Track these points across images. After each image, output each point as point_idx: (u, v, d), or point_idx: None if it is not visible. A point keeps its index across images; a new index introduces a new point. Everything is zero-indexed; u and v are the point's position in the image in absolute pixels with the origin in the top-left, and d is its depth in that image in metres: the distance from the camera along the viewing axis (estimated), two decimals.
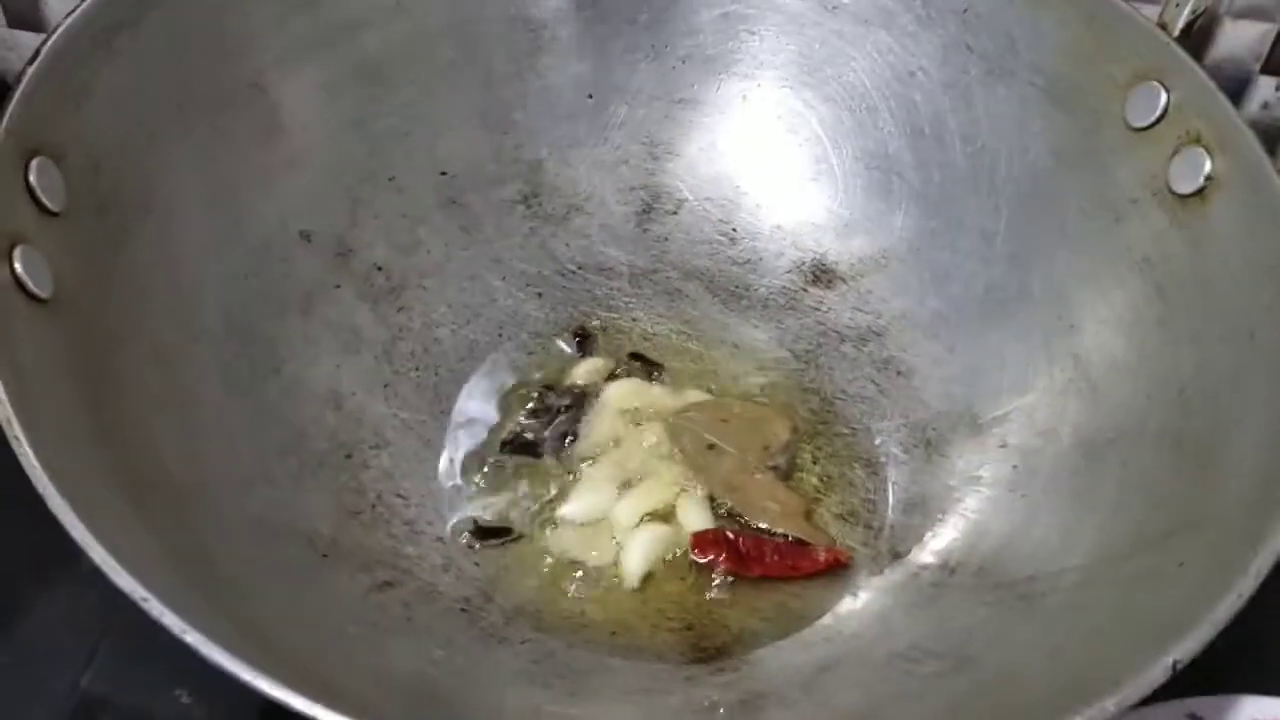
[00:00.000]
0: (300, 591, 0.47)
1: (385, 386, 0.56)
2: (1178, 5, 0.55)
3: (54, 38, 0.47)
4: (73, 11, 0.48)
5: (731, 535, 0.53)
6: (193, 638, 0.34)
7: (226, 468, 0.49)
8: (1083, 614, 0.46)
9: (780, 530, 0.54)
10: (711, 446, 0.56)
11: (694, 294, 0.62)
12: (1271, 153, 0.50)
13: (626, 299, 0.62)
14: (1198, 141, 0.51)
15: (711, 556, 0.52)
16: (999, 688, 0.45)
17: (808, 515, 0.55)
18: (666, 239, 0.63)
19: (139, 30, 0.50)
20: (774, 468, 0.56)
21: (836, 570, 0.53)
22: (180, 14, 0.51)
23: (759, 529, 0.54)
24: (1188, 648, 0.38)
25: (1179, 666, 0.37)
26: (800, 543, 0.53)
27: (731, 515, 0.54)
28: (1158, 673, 0.37)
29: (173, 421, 0.47)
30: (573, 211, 0.63)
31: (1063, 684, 0.41)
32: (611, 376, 0.58)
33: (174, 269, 0.51)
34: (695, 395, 0.58)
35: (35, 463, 0.37)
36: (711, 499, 0.55)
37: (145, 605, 0.35)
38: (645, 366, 0.59)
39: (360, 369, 0.56)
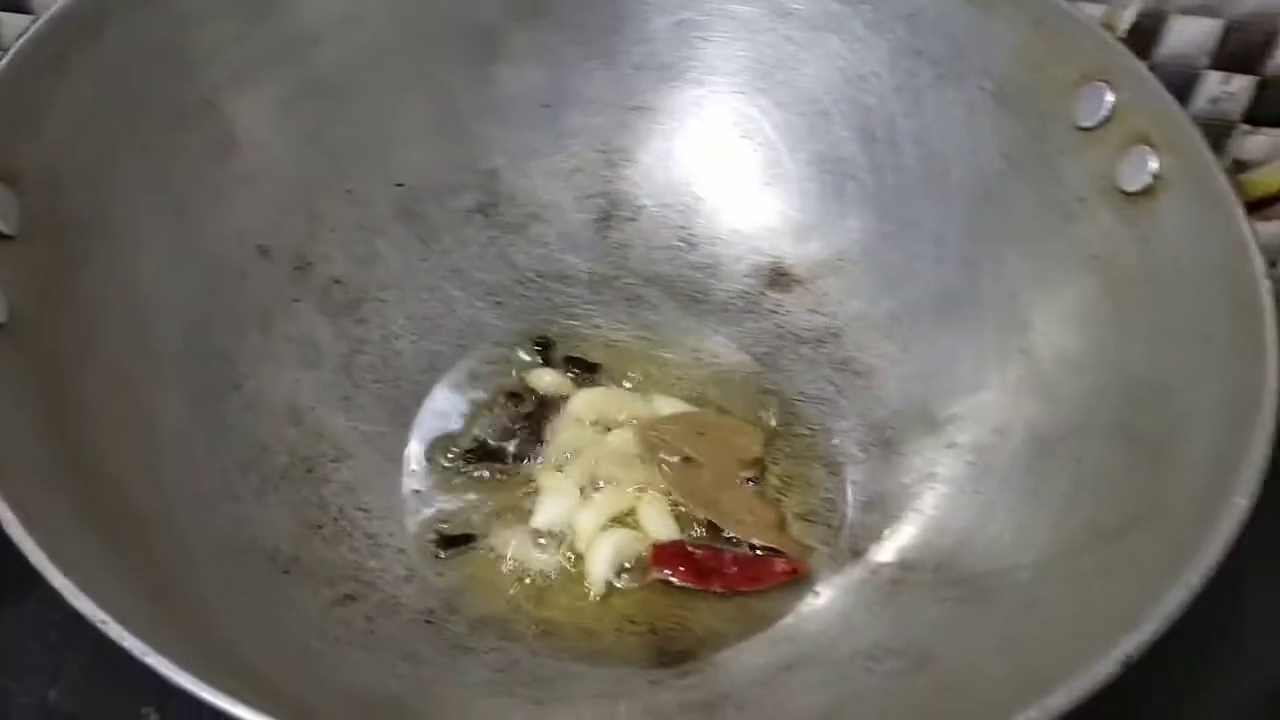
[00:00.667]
0: (263, 608, 0.47)
1: (345, 400, 0.56)
2: (1123, 6, 0.55)
3: (5, 59, 0.47)
4: (24, 33, 0.48)
5: (691, 549, 0.53)
6: (154, 660, 0.35)
7: (188, 486, 0.49)
8: (1037, 609, 0.46)
9: (756, 542, 0.54)
10: (688, 460, 0.56)
11: (654, 300, 0.62)
12: (1219, 148, 0.50)
13: (587, 306, 0.62)
14: (1144, 141, 0.51)
15: (669, 571, 0.53)
16: (958, 683, 0.45)
17: (781, 526, 0.55)
18: (626, 245, 0.63)
19: (92, 50, 0.50)
20: (749, 480, 0.56)
21: (796, 580, 0.53)
22: (133, 33, 0.51)
23: (720, 540, 0.54)
24: (1137, 640, 0.39)
25: (1130, 660, 0.38)
26: (770, 552, 0.53)
27: (692, 518, 0.55)
28: (1108, 666, 0.38)
29: (134, 443, 0.47)
30: (531, 220, 0.63)
31: (1018, 679, 0.42)
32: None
33: (132, 289, 0.51)
34: (665, 403, 0.59)
35: None
36: (675, 504, 0.55)
37: (104, 628, 0.35)
38: (583, 369, 0.60)
39: (320, 383, 0.56)
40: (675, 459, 0.56)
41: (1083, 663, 0.39)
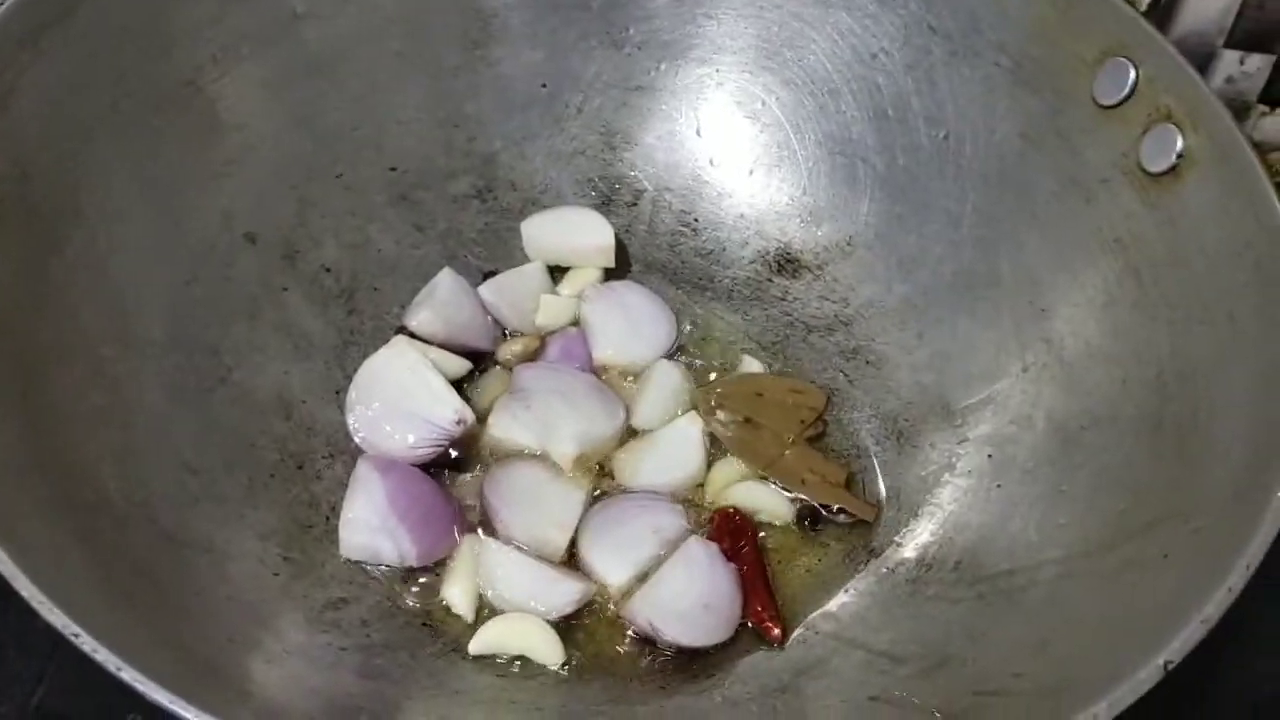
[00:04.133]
0: (251, 614, 0.45)
1: (338, 393, 0.54)
2: None
3: None
4: None
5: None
6: (128, 675, 0.33)
7: (172, 487, 0.47)
8: (1066, 607, 0.45)
9: (822, 501, 0.53)
10: (748, 421, 0.54)
11: (656, 287, 0.60)
12: None
13: None
14: (1168, 118, 0.49)
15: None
16: (982, 686, 0.43)
17: (847, 484, 0.54)
18: (627, 231, 0.61)
19: (67, 28, 0.48)
20: (810, 439, 0.55)
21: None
22: (111, 10, 0.49)
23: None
24: (1178, 648, 0.37)
25: (1170, 667, 0.36)
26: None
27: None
28: (1149, 674, 0.36)
29: (115, 441, 0.46)
30: (529, 205, 0.61)
31: (1050, 682, 0.40)
32: None
33: (112, 278, 0.49)
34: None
35: None
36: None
37: (77, 641, 0.33)
38: None
39: (311, 375, 0.54)
40: (735, 421, 0.54)
41: (1119, 666, 0.37)
